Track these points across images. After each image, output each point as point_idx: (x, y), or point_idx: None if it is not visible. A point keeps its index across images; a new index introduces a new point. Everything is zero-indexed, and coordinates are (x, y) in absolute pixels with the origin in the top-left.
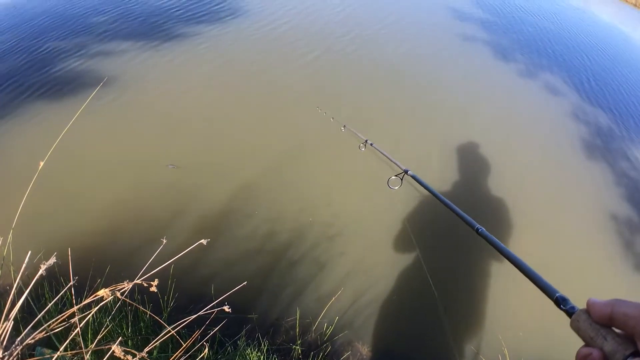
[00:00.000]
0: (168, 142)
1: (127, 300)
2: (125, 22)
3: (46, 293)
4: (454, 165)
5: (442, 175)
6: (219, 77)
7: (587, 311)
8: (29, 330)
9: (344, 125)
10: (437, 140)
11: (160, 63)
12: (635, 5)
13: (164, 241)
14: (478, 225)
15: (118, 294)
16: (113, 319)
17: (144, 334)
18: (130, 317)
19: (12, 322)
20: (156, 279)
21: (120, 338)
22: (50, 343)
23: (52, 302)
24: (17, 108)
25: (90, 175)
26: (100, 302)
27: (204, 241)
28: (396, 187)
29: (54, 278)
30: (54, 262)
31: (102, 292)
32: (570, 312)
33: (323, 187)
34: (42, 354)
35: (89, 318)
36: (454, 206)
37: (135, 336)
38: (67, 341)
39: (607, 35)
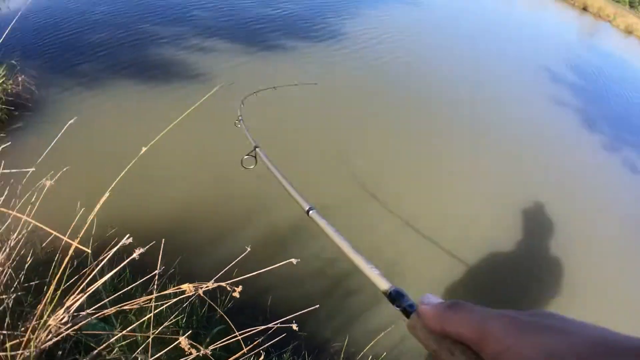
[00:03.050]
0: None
1: (207, 298)
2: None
3: (127, 274)
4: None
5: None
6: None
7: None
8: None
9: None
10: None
11: (261, 69)
12: None
13: (248, 249)
14: (310, 206)
15: (201, 292)
16: (183, 312)
17: (203, 330)
18: (199, 313)
19: (86, 297)
20: (240, 286)
21: (190, 331)
22: (108, 321)
23: (137, 284)
24: (124, 86)
25: (179, 169)
26: (181, 295)
27: (294, 260)
28: (251, 167)
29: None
30: (142, 250)
31: (185, 287)
32: (407, 311)
33: (390, 227)
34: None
35: (163, 308)
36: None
37: (199, 332)
38: (138, 323)
39: None
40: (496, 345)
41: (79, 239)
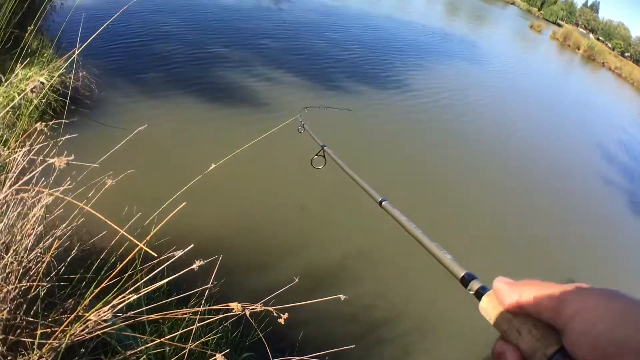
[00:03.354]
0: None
1: (252, 320)
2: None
3: (164, 285)
4: None
5: None
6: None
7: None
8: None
9: None
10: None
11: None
12: None
13: (296, 280)
14: (381, 198)
15: (247, 312)
16: (217, 331)
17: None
18: (229, 336)
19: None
20: (287, 313)
21: (227, 350)
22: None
23: (179, 297)
24: (187, 104)
25: (236, 192)
26: (227, 313)
27: (342, 296)
28: (320, 167)
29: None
30: (202, 262)
31: (234, 305)
32: (479, 294)
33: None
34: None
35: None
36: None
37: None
38: (177, 333)
39: None
40: (573, 306)
41: (145, 241)
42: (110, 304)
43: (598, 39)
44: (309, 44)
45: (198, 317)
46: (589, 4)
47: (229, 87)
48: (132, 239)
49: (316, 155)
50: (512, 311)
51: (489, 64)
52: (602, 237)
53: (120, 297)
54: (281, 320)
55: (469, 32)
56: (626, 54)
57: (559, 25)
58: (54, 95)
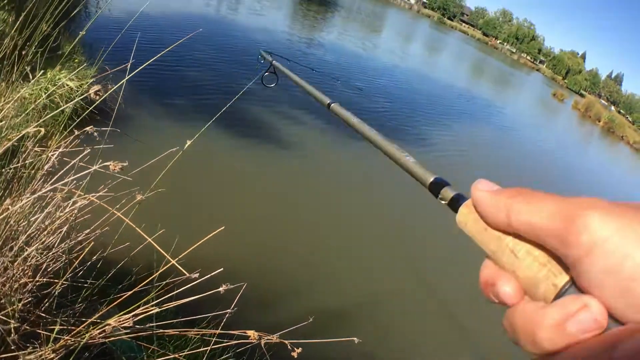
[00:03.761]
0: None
1: (265, 351)
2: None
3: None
4: None
5: None
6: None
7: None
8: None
9: None
10: None
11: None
12: None
13: (310, 320)
14: (330, 100)
15: (262, 342)
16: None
17: None
18: None
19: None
20: (300, 348)
21: None
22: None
23: (198, 317)
24: (214, 134)
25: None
26: (240, 339)
27: (355, 339)
28: (272, 85)
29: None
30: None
31: (250, 333)
32: (455, 204)
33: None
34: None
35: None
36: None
37: None
38: (186, 352)
39: None
40: (588, 231)
41: (178, 258)
42: (133, 313)
43: (619, 112)
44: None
45: (214, 339)
46: (613, 75)
47: (256, 123)
48: (164, 253)
49: (266, 72)
50: (501, 230)
51: (512, 131)
52: None
53: (143, 307)
54: (294, 354)
55: (494, 96)
56: None
57: (582, 95)
58: (81, 102)
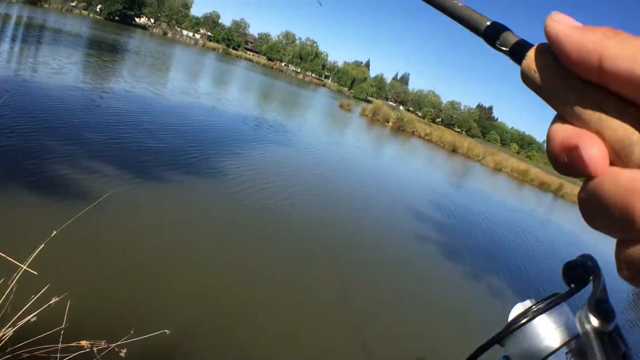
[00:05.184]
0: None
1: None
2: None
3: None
4: None
5: None
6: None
7: (553, 51)
8: None
9: None
10: None
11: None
12: None
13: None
14: None
15: (95, 350)
16: None
17: None
18: None
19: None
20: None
21: None
22: None
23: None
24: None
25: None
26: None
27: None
28: None
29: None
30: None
31: (84, 343)
32: (518, 51)
33: None
34: None
35: None
36: None
37: None
38: None
39: None
40: None
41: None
42: None
43: (409, 110)
44: (130, 136)
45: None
46: (399, 77)
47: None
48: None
49: None
50: (586, 78)
51: (305, 149)
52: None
53: None
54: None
55: (281, 117)
56: (437, 120)
57: (369, 101)
58: None
